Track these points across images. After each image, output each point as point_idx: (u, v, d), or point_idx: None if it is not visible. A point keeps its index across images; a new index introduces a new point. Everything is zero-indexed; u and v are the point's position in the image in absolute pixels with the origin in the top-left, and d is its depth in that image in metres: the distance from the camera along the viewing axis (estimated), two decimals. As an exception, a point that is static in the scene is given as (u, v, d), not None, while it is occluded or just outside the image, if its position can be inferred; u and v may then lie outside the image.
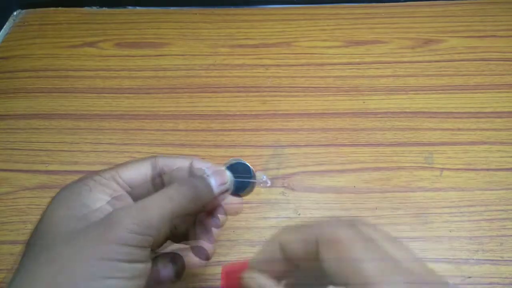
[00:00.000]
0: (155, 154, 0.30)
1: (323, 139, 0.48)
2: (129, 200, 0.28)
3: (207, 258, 0.31)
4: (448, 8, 0.62)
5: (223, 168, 0.31)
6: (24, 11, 0.65)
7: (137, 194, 0.29)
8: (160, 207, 0.25)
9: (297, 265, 0.25)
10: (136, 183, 0.29)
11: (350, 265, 0.22)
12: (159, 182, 0.30)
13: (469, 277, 0.37)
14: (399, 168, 0.45)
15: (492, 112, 0.49)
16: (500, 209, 0.41)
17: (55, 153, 0.47)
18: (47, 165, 0.46)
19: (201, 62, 0.56)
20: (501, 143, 0.46)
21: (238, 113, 0.50)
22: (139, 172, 0.29)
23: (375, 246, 0.23)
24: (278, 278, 0.26)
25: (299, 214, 0.42)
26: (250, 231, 0.41)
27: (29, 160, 0.47)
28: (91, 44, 0.59)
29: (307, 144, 0.47)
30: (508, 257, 0.38)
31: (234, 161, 0.31)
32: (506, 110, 0.49)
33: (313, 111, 0.50)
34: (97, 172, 0.28)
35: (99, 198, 0.26)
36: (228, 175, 0.31)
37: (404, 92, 0.52)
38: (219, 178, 0.29)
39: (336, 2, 0.63)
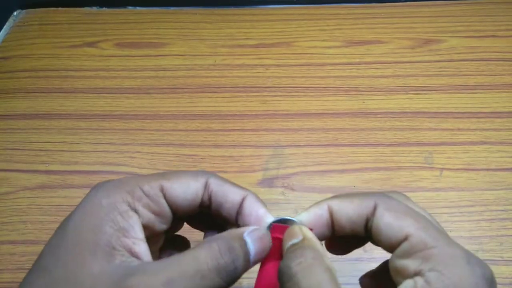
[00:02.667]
0: (208, 171, 0.26)
1: (323, 139, 0.48)
2: (168, 224, 0.25)
3: None
4: (448, 8, 0.62)
5: (267, 231, 0.25)
6: (24, 11, 0.65)
7: (180, 213, 0.25)
8: (188, 281, 0.21)
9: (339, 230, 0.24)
10: (185, 203, 0.25)
11: (407, 229, 0.21)
12: (207, 203, 0.25)
13: (469, 277, 0.37)
14: (399, 168, 0.45)
15: (492, 112, 0.49)
16: (500, 209, 0.41)
17: (55, 153, 0.47)
18: (47, 165, 0.47)
19: (201, 62, 0.56)
20: (501, 143, 0.46)
21: (238, 113, 0.50)
22: (190, 191, 0.25)
23: (428, 220, 0.23)
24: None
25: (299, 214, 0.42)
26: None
27: (29, 160, 0.47)
28: (91, 44, 0.59)
29: (307, 144, 0.47)
30: (508, 257, 0.38)
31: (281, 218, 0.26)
32: (506, 110, 0.49)
33: (313, 111, 0.50)
34: (143, 178, 0.24)
35: (137, 222, 0.23)
36: (269, 242, 0.24)
37: (404, 92, 0.52)
38: (260, 245, 0.24)
39: (336, 2, 0.63)
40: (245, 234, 0.23)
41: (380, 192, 0.24)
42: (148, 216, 0.24)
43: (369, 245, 0.39)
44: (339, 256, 0.39)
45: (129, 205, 0.23)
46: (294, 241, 0.23)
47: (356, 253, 0.39)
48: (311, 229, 0.24)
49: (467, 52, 0.56)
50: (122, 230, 0.22)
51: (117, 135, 0.49)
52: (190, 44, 0.58)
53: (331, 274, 0.21)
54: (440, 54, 0.56)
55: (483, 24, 0.59)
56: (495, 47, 0.56)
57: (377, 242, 0.23)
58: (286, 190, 0.43)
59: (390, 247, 0.22)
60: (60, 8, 0.64)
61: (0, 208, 0.43)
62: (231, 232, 0.24)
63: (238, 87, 0.53)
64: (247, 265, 0.23)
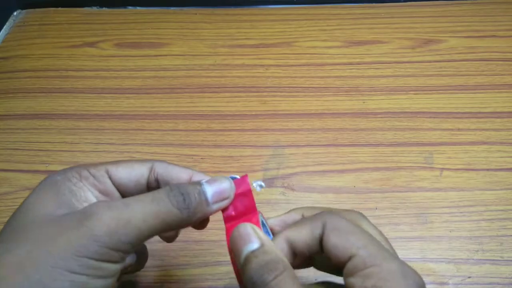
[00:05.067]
0: (155, 158, 0.28)
1: (323, 139, 0.48)
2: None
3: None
4: (448, 8, 0.62)
5: (223, 177, 0.26)
6: (24, 11, 0.65)
7: (128, 194, 0.27)
8: (145, 208, 0.23)
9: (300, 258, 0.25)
10: (130, 184, 0.26)
11: (350, 249, 0.22)
12: (154, 185, 0.27)
13: (469, 277, 0.37)
14: (399, 168, 0.45)
15: (492, 112, 0.49)
16: (500, 209, 0.41)
17: (55, 153, 0.47)
18: (47, 165, 0.47)
19: (201, 62, 0.56)
20: (501, 143, 0.46)
21: (238, 113, 0.50)
22: (135, 173, 0.27)
23: (371, 236, 0.23)
24: None
25: (299, 214, 0.42)
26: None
27: (29, 160, 0.47)
28: (91, 44, 0.59)
29: (307, 144, 0.47)
30: (508, 257, 0.38)
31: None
32: (506, 110, 0.49)
33: (313, 111, 0.50)
34: (90, 164, 0.26)
35: (88, 190, 0.25)
36: (230, 185, 0.25)
37: (404, 92, 0.52)
38: (216, 188, 0.25)
39: (336, 2, 0.63)
40: (202, 181, 0.25)
41: (329, 212, 0.25)
42: (95, 194, 0.26)
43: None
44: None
45: (80, 179, 0.26)
46: (253, 247, 0.23)
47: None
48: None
49: (467, 52, 0.56)
50: (77, 195, 0.25)
51: (117, 135, 0.49)
52: (190, 44, 0.58)
53: (299, 283, 0.22)
54: (440, 54, 0.56)
55: (483, 24, 0.59)
56: (495, 47, 0.56)
57: (331, 261, 0.24)
58: (286, 190, 0.43)
59: (340, 266, 0.23)
60: (60, 8, 0.64)
61: (0, 208, 0.43)
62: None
63: (238, 87, 0.53)
64: (205, 204, 0.24)
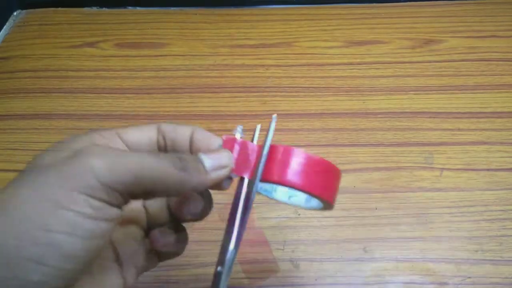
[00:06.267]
0: (158, 122, 0.28)
1: (323, 139, 0.48)
2: None
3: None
4: (448, 8, 0.62)
5: (222, 148, 0.26)
6: (24, 11, 0.65)
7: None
8: (143, 158, 0.22)
9: None
10: (140, 145, 0.26)
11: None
12: (163, 147, 0.27)
13: (469, 277, 0.37)
14: (399, 168, 0.45)
15: (492, 112, 0.49)
16: (500, 209, 0.41)
17: (55, 153, 0.47)
18: (47, 165, 0.46)
19: (201, 62, 0.56)
20: (501, 143, 0.46)
21: (238, 113, 0.50)
22: (144, 135, 0.26)
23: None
24: None
25: (299, 215, 0.42)
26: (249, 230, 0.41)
27: (29, 160, 0.47)
28: (91, 44, 0.59)
29: (307, 144, 0.47)
30: (508, 257, 0.38)
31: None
32: (506, 110, 0.49)
33: (313, 111, 0.50)
34: (100, 128, 0.25)
35: None
36: (228, 156, 0.25)
37: (404, 92, 0.52)
38: (214, 157, 0.25)
39: (337, 2, 0.63)
40: (199, 154, 0.25)
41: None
42: None
43: (369, 246, 0.39)
44: (339, 257, 0.39)
45: (91, 139, 0.24)
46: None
47: (356, 253, 0.39)
48: None
49: (467, 52, 0.56)
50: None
51: (117, 135, 0.49)
52: (190, 44, 0.58)
53: None
54: (440, 54, 0.56)
55: (483, 24, 0.59)
56: (495, 47, 0.56)
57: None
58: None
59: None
60: (60, 8, 0.64)
61: (0, 208, 0.43)
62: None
63: (238, 87, 0.53)
64: (202, 170, 0.24)
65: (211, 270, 0.38)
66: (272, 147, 0.25)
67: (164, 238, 0.27)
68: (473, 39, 0.57)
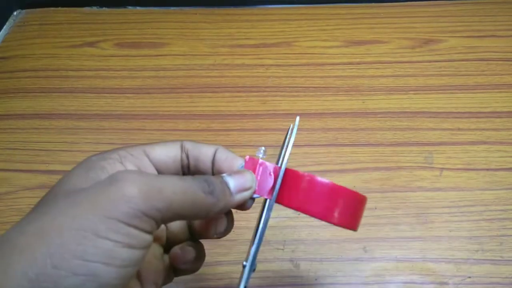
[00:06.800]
0: (181, 139, 0.29)
1: (323, 139, 0.48)
2: None
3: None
4: (448, 8, 0.62)
5: (245, 170, 0.27)
6: (24, 11, 0.65)
7: (165, 171, 0.26)
8: (175, 183, 0.22)
9: None
10: (167, 162, 0.26)
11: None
12: (187, 165, 0.27)
13: (469, 277, 0.37)
14: (399, 168, 0.45)
15: (492, 112, 0.49)
16: (500, 209, 0.41)
17: (55, 153, 0.47)
18: (47, 165, 0.46)
19: (201, 62, 0.56)
20: (501, 143, 0.46)
21: (238, 113, 0.50)
22: (170, 152, 0.26)
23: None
24: None
25: (299, 214, 0.42)
26: (250, 231, 0.40)
27: (29, 160, 0.47)
28: (91, 44, 0.59)
29: (307, 144, 0.47)
30: (508, 257, 0.38)
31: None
32: (506, 110, 0.49)
33: (313, 111, 0.50)
34: (128, 146, 0.26)
35: (123, 167, 0.24)
36: (251, 177, 0.26)
37: (404, 92, 0.52)
38: (238, 178, 0.25)
39: (336, 2, 0.63)
40: (223, 175, 0.25)
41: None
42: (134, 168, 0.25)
43: (369, 245, 0.39)
44: (339, 256, 0.39)
45: (117, 160, 0.25)
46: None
47: (356, 253, 0.39)
48: None
49: (467, 52, 0.56)
50: (109, 171, 0.24)
51: (117, 135, 0.49)
52: (190, 44, 0.58)
53: None
54: (440, 54, 0.56)
55: (483, 24, 0.59)
56: (495, 47, 0.56)
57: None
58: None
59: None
60: (60, 8, 0.64)
61: (0, 208, 0.43)
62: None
63: (238, 87, 0.53)
64: (228, 192, 0.25)
65: (211, 270, 0.38)
66: (296, 174, 0.26)
67: (184, 256, 0.28)
68: (472, 39, 0.57)
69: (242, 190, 0.25)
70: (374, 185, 0.44)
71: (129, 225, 0.20)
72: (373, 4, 0.62)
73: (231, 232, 0.40)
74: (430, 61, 0.55)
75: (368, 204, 0.42)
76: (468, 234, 0.40)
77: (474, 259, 0.38)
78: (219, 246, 0.39)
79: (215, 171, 0.27)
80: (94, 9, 0.64)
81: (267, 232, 0.42)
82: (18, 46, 0.59)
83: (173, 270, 0.29)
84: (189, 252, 0.28)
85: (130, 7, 0.64)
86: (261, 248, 0.27)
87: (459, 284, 0.37)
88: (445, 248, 0.39)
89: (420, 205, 0.42)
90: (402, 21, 0.60)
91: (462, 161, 0.45)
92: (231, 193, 0.25)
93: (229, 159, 0.27)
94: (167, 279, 0.29)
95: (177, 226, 0.29)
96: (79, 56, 0.57)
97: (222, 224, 0.28)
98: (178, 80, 0.54)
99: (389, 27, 0.59)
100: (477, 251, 0.39)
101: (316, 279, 0.38)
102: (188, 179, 0.23)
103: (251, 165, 0.27)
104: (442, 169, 0.45)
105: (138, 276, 0.26)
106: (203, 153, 0.27)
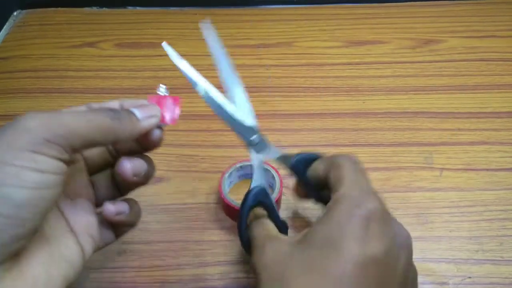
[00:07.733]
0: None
1: (323, 139, 0.48)
2: None
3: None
4: (448, 8, 0.62)
5: (149, 103, 0.30)
6: (24, 11, 0.65)
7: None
8: (79, 115, 0.25)
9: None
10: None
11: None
12: None
13: (469, 277, 0.37)
14: (399, 168, 0.45)
15: (492, 112, 0.49)
16: (500, 209, 0.41)
17: (55, 153, 0.47)
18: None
19: (201, 62, 0.56)
20: (501, 143, 0.46)
21: (238, 113, 0.50)
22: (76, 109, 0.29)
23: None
24: None
25: (299, 214, 0.42)
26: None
27: None
28: (91, 44, 0.59)
29: (307, 144, 0.47)
30: (508, 257, 0.38)
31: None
32: (506, 110, 0.49)
33: (313, 111, 0.50)
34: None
35: None
36: (155, 107, 0.30)
37: (404, 92, 0.52)
38: (144, 110, 0.28)
39: (336, 2, 0.63)
40: (130, 108, 0.28)
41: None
42: None
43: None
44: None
45: None
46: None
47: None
48: None
49: (467, 52, 0.56)
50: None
51: (117, 135, 0.49)
52: (190, 44, 0.58)
53: None
54: (440, 54, 0.56)
55: (483, 24, 0.59)
56: (495, 47, 0.56)
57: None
58: (286, 190, 0.43)
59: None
60: (60, 8, 0.64)
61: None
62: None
63: (238, 87, 0.53)
64: (134, 119, 0.27)
65: (211, 270, 0.38)
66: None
67: (116, 206, 0.29)
68: (473, 39, 0.57)
69: (148, 117, 0.28)
70: (374, 185, 0.43)
71: (34, 152, 0.22)
72: (373, 4, 0.62)
73: (231, 232, 0.40)
74: (430, 61, 0.55)
75: (368, 204, 0.42)
76: (468, 234, 0.40)
77: (474, 259, 0.38)
78: (219, 246, 0.39)
79: None
80: (94, 9, 0.64)
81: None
82: (18, 46, 0.59)
83: (113, 228, 0.31)
84: (120, 203, 0.30)
85: (130, 7, 0.64)
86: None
87: (459, 284, 0.37)
88: (445, 248, 0.39)
89: (420, 205, 0.42)
90: (403, 21, 0.60)
91: (462, 161, 0.45)
92: (137, 119, 0.27)
93: (134, 102, 0.29)
94: (106, 236, 0.30)
95: (103, 181, 0.31)
96: (79, 57, 0.57)
97: (142, 164, 0.30)
98: (178, 80, 0.54)
99: (390, 27, 0.59)
100: (477, 251, 0.39)
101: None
102: (94, 110, 0.26)
103: (154, 100, 0.31)
104: (442, 169, 0.45)
105: (71, 229, 0.27)
106: (110, 106, 0.29)
